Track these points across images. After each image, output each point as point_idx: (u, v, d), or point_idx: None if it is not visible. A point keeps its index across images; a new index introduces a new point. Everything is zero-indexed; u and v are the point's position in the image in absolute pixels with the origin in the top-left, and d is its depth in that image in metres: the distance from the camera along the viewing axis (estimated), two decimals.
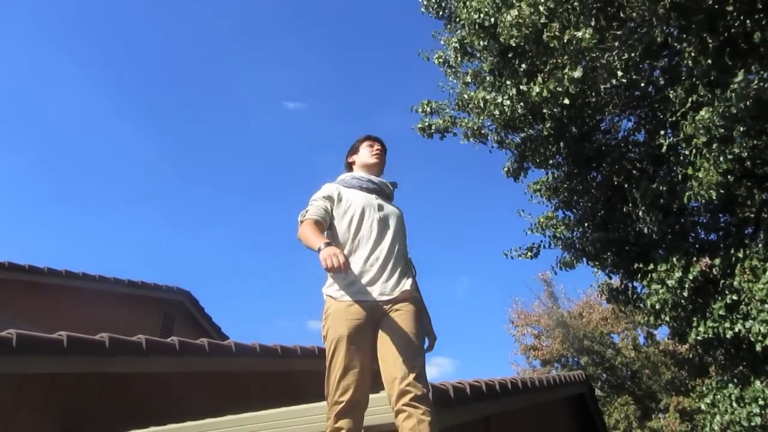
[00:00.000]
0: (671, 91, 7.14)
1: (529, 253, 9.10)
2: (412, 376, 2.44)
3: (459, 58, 8.89)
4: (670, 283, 6.96)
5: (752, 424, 6.75)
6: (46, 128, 33.69)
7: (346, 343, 2.57)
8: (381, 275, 2.75)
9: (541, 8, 6.35)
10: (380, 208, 2.99)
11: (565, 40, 6.19)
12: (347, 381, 2.52)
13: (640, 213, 7.38)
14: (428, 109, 9.08)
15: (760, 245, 6.56)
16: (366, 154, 3.20)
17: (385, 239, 2.88)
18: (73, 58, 32.44)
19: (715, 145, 6.24)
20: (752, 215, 7.30)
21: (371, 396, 2.72)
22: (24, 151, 33.00)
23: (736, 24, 6.57)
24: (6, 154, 30.83)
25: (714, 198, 6.40)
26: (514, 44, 7.03)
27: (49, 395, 3.98)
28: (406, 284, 2.79)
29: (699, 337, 7.02)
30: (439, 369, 33.55)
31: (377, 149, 3.21)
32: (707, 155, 6.32)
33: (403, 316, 2.67)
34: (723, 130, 6.07)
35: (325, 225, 2.88)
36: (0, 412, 3.71)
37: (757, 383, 6.87)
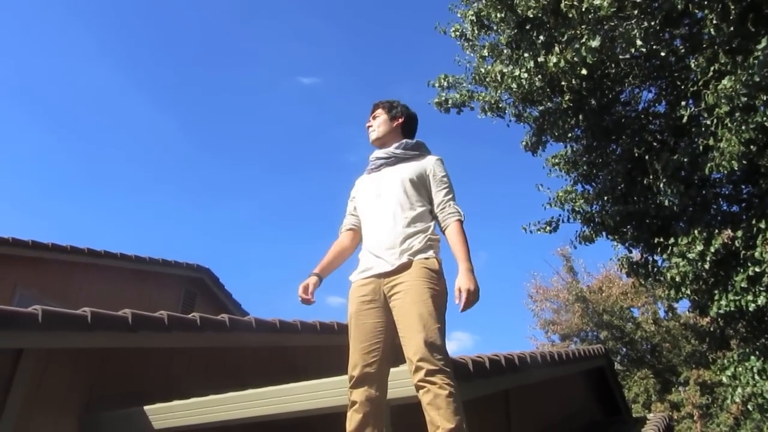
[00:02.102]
0: (692, 60, 7.00)
1: (548, 228, 9.03)
2: (423, 351, 2.44)
3: (476, 31, 8.76)
4: (691, 255, 6.89)
5: None
6: (62, 103, 33.94)
7: (353, 321, 2.71)
8: (382, 249, 2.77)
9: None
10: (380, 180, 2.99)
11: (583, 9, 6.08)
12: (355, 356, 2.64)
13: (661, 185, 7.28)
14: (445, 84, 9.00)
15: None
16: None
17: (382, 211, 2.88)
18: (91, 33, 32.53)
19: (737, 115, 6.12)
20: None
21: (393, 370, 2.76)
22: (40, 127, 33.27)
23: None
24: (22, 129, 31.13)
25: (736, 169, 6.30)
26: (531, 15, 6.92)
27: (74, 369, 4.05)
28: (407, 253, 2.70)
29: (721, 310, 6.95)
30: (459, 343, 33.75)
31: (367, 125, 3.20)
32: (729, 125, 6.21)
33: (409, 287, 2.61)
34: (746, 99, 5.95)
35: (359, 228, 3.09)
36: (27, 386, 3.78)
37: None
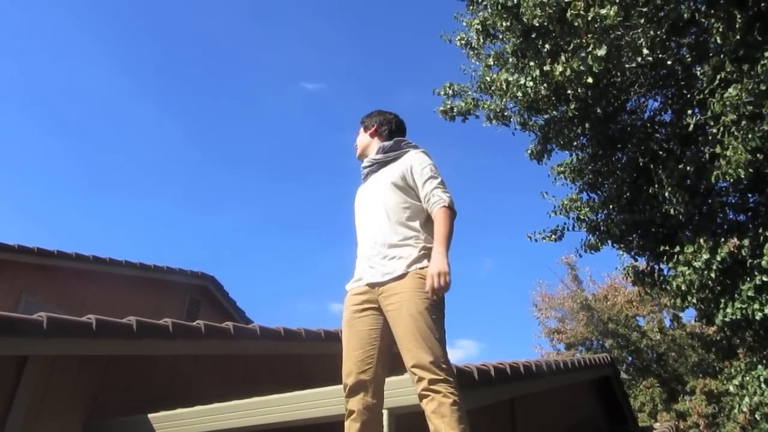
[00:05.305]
0: (698, 69, 6.99)
1: (554, 236, 9.01)
2: (423, 364, 2.42)
3: (481, 40, 8.79)
4: (697, 264, 6.85)
5: None
6: (66, 108, 33.98)
7: (347, 329, 2.71)
8: (373, 258, 2.75)
9: None
10: (367, 189, 3.00)
11: (589, 18, 6.09)
12: (348, 363, 2.62)
13: (667, 194, 7.26)
14: (450, 92, 9.02)
15: None
16: None
17: (370, 219, 2.87)
18: (96, 37, 32.70)
19: (743, 123, 6.11)
20: None
21: (394, 378, 2.74)
22: (45, 132, 33.40)
23: None
24: (26, 134, 31.28)
25: (742, 177, 6.27)
26: (537, 24, 6.93)
27: (79, 377, 4.06)
28: (400, 263, 2.65)
29: (727, 319, 6.91)
30: (464, 351, 33.66)
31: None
32: (735, 133, 6.19)
33: (404, 299, 2.56)
34: (752, 107, 5.94)
35: None
36: (32, 393, 3.78)
37: None
